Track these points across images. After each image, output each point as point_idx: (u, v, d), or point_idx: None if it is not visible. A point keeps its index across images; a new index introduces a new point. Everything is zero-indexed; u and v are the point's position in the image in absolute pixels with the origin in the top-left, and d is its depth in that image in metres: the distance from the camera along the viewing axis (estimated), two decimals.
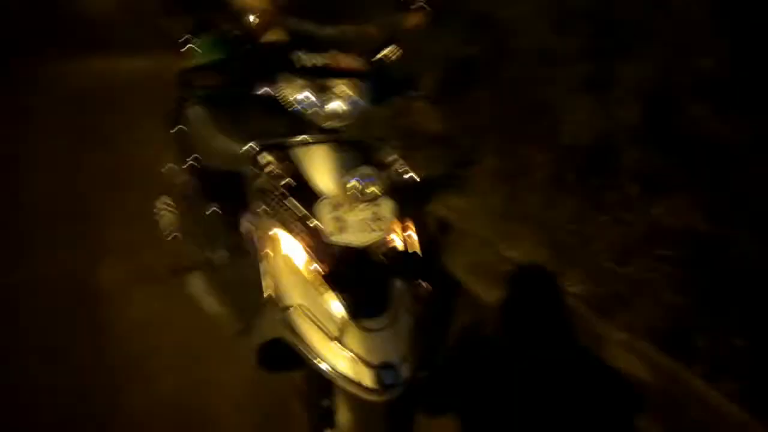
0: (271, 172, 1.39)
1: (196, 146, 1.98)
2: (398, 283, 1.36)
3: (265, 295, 1.37)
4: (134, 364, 2.05)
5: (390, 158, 1.48)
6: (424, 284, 1.42)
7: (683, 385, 1.88)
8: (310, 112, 1.44)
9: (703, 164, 2.33)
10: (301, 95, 1.43)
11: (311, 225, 1.32)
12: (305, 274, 1.32)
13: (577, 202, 2.60)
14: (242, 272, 1.64)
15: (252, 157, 1.43)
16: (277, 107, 1.45)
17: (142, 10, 6.30)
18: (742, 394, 1.75)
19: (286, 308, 1.31)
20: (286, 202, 1.36)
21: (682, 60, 2.48)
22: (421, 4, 1.74)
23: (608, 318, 2.17)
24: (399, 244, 1.41)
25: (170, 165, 2.31)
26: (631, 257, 2.31)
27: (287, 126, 1.45)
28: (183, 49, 1.86)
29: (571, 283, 2.35)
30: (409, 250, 1.43)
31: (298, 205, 1.35)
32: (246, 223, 1.58)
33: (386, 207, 1.36)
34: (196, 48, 1.84)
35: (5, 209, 2.99)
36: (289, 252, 1.35)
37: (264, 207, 1.42)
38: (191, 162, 2.04)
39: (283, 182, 1.38)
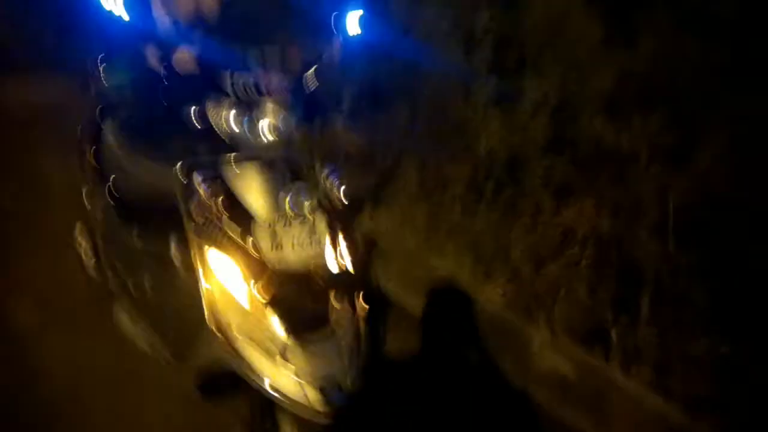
0: (203, 193, 1.37)
1: (116, 169, 1.90)
2: (335, 299, 1.38)
3: (203, 319, 1.34)
4: (57, 407, 1.91)
5: (321, 175, 1.50)
6: (359, 299, 1.45)
7: (603, 377, 2.03)
8: (238, 131, 1.43)
9: (602, 171, 2.53)
10: (228, 115, 1.42)
11: (247, 245, 1.31)
12: (243, 294, 1.31)
13: (494, 212, 2.73)
14: (172, 298, 1.59)
15: (183, 179, 1.40)
16: (204, 128, 1.43)
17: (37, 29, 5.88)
18: (657, 382, 1.91)
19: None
20: (220, 222, 1.35)
21: (578, 76, 2.70)
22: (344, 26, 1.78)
23: (530, 319, 2.29)
24: (334, 260, 1.43)
25: (85, 189, 2.19)
26: (547, 261, 2.45)
27: (216, 146, 1.44)
28: (97, 71, 1.79)
29: (494, 288, 2.46)
30: (344, 266, 1.46)
31: (233, 225, 1.34)
32: (177, 247, 1.54)
33: (320, 223, 1.38)
34: (110, 70, 1.78)
35: None
36: (225, 273, 1.33)
37: (198, 228, 1.39)
38: (110, 186, 1.95)
39: (216, 203, 1.36)
